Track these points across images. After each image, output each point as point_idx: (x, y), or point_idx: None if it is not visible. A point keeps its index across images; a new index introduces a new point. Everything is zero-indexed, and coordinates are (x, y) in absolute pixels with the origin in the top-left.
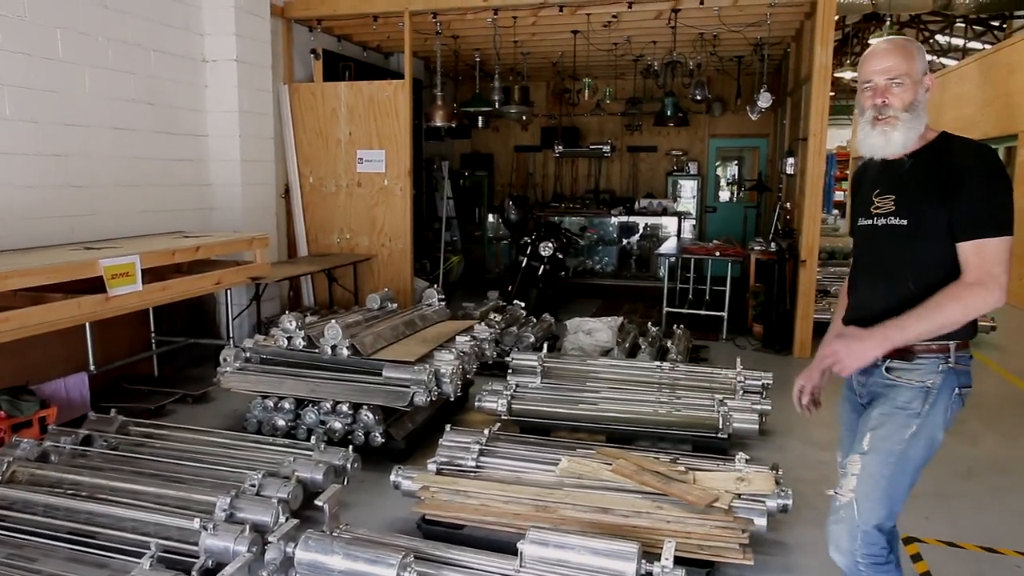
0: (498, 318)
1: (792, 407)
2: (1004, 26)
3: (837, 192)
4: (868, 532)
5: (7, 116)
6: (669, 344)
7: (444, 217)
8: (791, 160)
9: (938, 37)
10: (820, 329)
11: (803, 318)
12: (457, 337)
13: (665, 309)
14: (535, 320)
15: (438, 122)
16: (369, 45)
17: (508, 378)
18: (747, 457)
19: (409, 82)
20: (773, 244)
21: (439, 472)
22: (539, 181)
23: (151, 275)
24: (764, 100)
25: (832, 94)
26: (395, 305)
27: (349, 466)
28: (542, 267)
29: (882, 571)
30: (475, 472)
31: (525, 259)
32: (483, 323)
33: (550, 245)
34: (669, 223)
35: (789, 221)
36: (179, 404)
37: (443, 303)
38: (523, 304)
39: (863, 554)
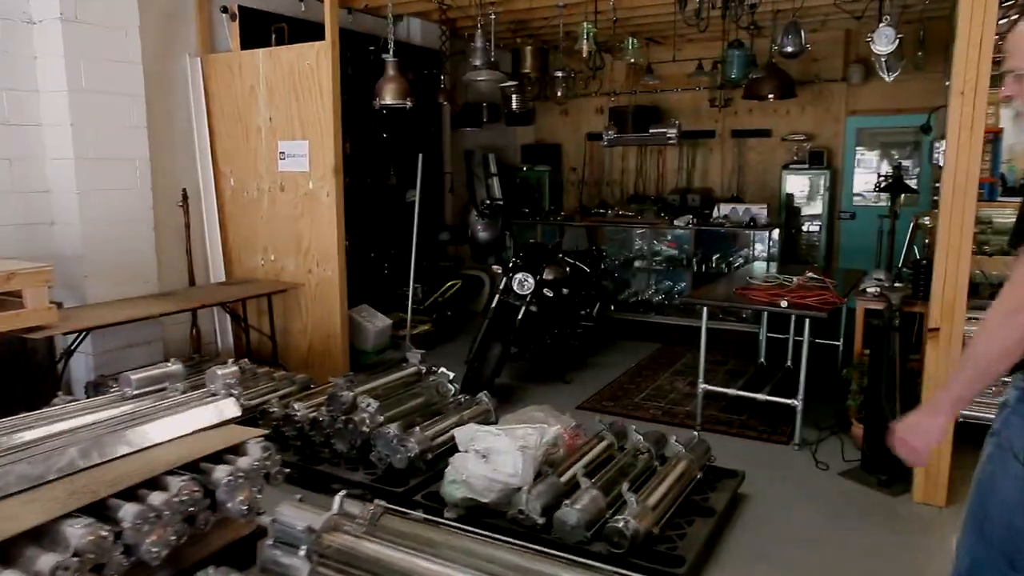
0: (371, 406)
1: None
2: None
3: None
4: None
5: None
6: (630, 496)
7: (416, 225)
8: (943, 145)
9: None
10: (969, 447)
11: None
12: (170, 478)
13: (701, 387)
14: (463, 402)
15: (388, 99)
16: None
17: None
18: None
19: (333, 43)
20: (897, 284)
21: None
22: (617, 177)
23: None
24: (883, 40)
25: None
26: (179, 387)
27: None
28: (523, 309)
29: None
30: None
31: (497, 298)
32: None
33: (530, 279)
34: (762, 239)
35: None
36: None
37: (234, 394)
38: (451, 375)
39: None
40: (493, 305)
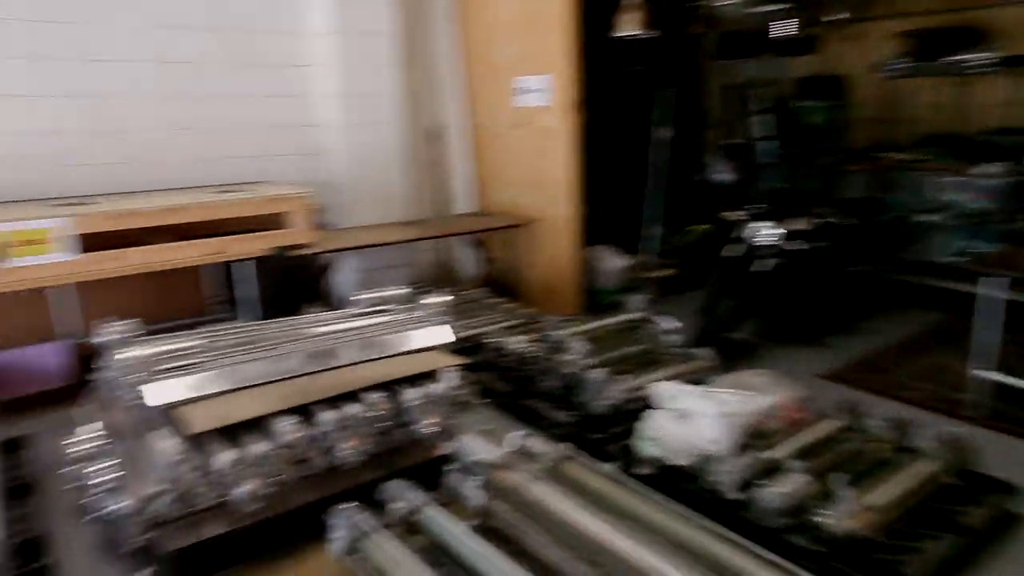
0: (578, 349)
1: None
2: None
3: None
4: None
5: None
6: (846, 489)
7: (666, 165)
8: None
9: None
10: None
11: None
12: (368, 394)
13: (976, 373)
14: (684, 355)
15: (625, 30)
16: None
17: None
18: None
19: None
20: None
21: None
22: (910, 113)
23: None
24: None
25: None
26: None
27: None
28: (765, 262)
29: None
30: None
31: (736, 248)
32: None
33: (775, 229)
34: None
35: None
36: None
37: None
38: (678, 325)
39: None
40: (731, 255)
